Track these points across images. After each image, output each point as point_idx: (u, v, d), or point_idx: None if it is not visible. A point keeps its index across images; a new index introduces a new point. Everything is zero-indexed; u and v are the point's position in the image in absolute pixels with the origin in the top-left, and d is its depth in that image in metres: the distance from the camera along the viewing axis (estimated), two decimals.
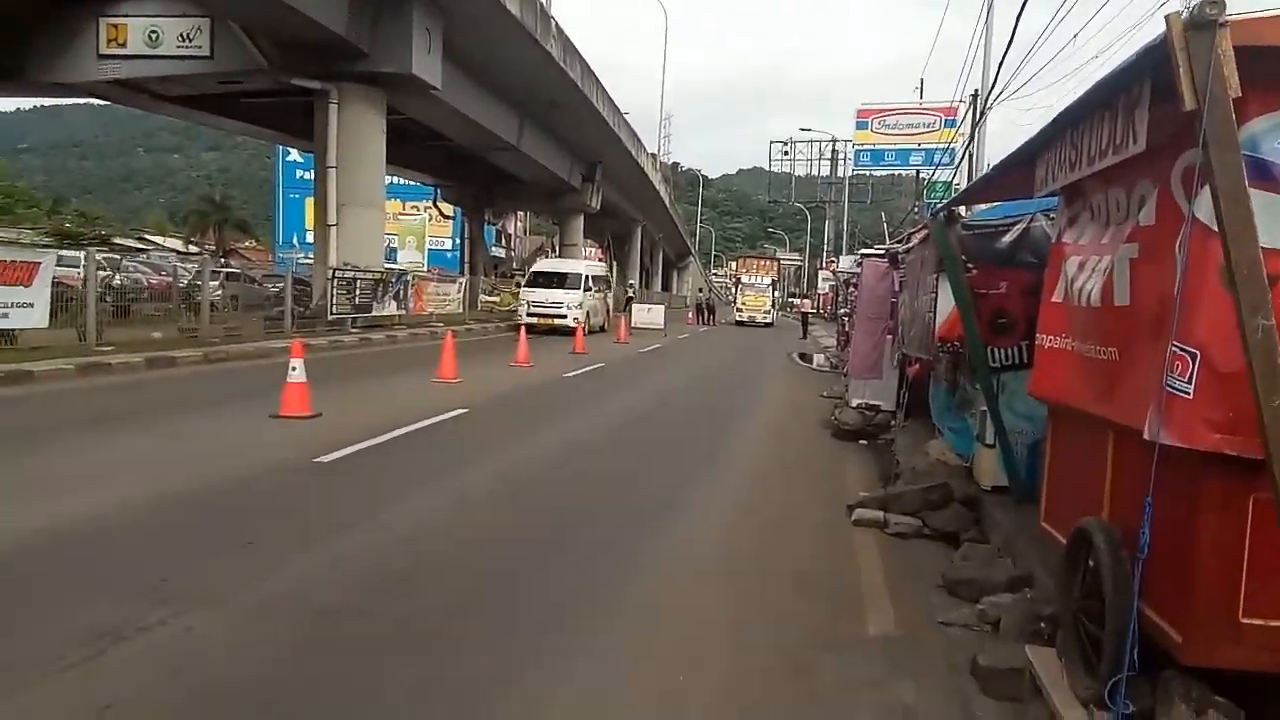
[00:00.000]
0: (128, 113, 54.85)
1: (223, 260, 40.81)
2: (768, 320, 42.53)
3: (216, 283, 25.15)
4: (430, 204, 53.45)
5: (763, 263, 47.55)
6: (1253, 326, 2.27)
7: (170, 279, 20.32)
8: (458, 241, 55.62)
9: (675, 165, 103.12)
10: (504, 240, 64.25)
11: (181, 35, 22.16)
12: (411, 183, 54.14)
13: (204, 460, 6.98)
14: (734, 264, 57.57)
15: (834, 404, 12.28)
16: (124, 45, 22.28)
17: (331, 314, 19.04)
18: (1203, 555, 2.73)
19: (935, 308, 7.45)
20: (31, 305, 12.08)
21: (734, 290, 46.54)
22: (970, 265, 6.12)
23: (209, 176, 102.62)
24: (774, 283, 45.00)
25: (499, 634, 3.93)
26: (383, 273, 21.67)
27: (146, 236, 59.35)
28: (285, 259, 40.14)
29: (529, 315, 24.68)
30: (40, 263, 12.27)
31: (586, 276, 27.91)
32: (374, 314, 20.95)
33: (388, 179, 60.14)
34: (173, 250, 52.36)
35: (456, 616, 4.11)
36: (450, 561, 4.95)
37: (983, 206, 8.91)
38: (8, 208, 44.66)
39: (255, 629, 3.81)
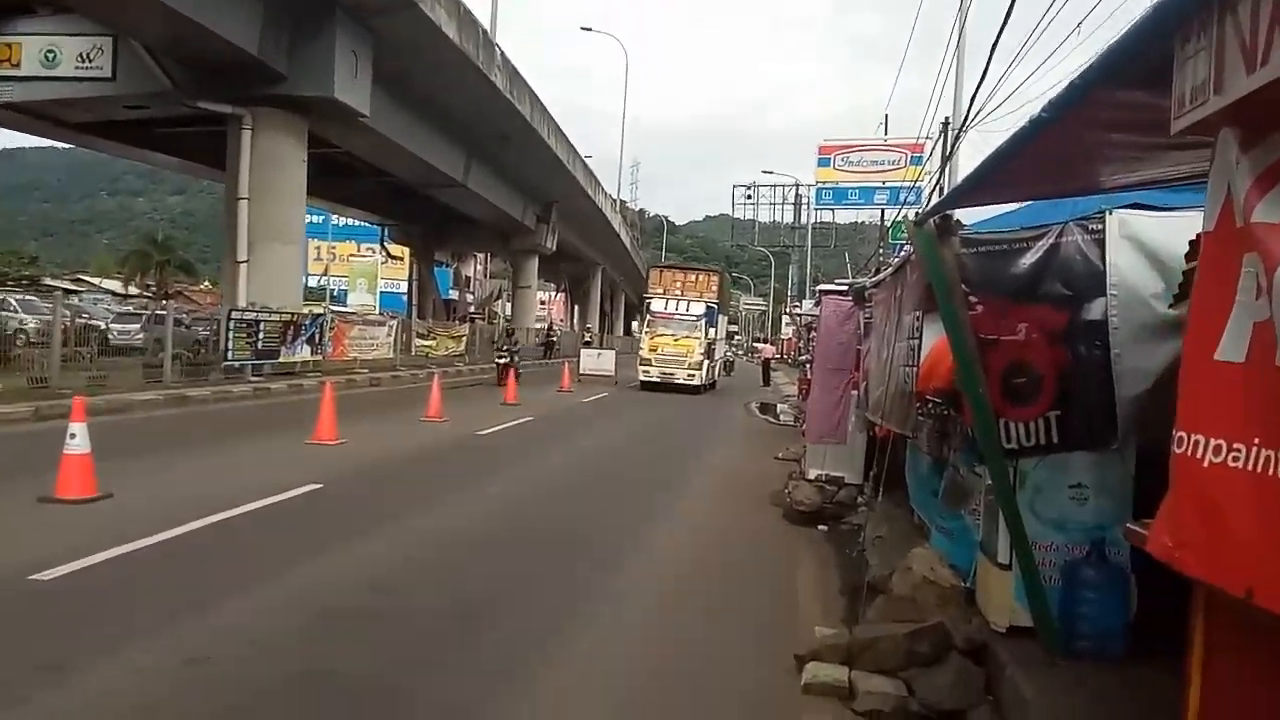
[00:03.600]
0: (94, 156, 52.33)
1: (163, 303, 38.18)
2: (693, 380, 24.81)
3: (138, 325, 22.83)
4: (380, 245, 51.37)
5: (691, 278, 28.28)
6: None
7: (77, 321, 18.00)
8: None
9: (642, 212, 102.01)
10: (464, 282, 62.06)
11: (81, 55, 20.33)
12: (364, 224, 52.06)
13: None
14: (651, 275, 29.76)
15: (789, 472, 10.22)
16: (17, 66, 20.42)
17: (228, 360, 16.70)
18: None
19: (916, 361, 5.45)
20: None
21: (643, 324, 27.71)
22: (974, 299, 4.13)
23: (172, 219, 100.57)
24: (710, 311, 26.57)
25: None
26: (293, 314, 19.38)
27: (84, 279, 56.73)
28: None
29: None
30: None
31: None
32: (282, 360, 18.61)
33: (336, 219, 58.03)
34: (109, 293, 49.66)
35: None
36: None
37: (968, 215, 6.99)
38: None
39: None
